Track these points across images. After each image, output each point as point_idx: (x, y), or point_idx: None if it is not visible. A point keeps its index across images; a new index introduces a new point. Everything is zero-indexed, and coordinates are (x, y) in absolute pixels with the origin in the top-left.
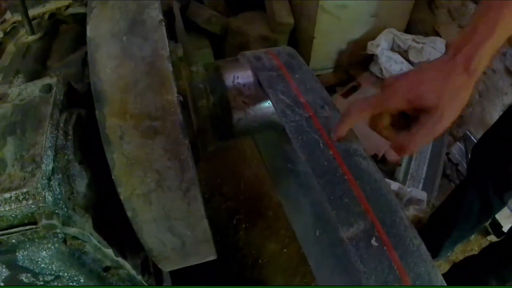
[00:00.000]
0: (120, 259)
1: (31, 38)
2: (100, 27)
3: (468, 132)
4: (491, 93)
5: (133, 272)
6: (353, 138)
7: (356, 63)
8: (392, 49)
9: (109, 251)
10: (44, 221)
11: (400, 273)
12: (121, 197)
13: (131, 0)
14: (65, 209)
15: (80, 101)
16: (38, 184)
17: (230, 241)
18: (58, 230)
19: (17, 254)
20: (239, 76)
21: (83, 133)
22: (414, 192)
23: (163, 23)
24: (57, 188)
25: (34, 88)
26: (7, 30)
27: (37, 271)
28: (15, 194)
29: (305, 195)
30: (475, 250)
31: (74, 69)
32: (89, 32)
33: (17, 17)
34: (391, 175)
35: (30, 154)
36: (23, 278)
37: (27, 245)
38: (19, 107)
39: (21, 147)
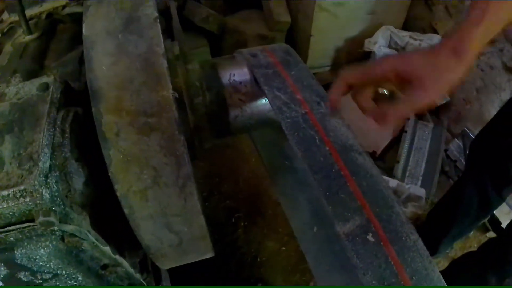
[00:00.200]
0: (118, 257)
1: (28, 38)
2: (96, 25)
3: (466, 129)
4: (489, 90)
5: (131, 270)
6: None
7: (353, 60)
8: (389, 46)
9: (107, 249)
10: (41, 218)
11: (397, 268)
12: (118, 194)
13: None
14: (63, 207)
15: (77, 100)
16: (36, 182)
17: (229, 239)
18: (55, 228)
19: (15, 252)
20: (236, 74)
21: (80, 131)
22: (412, 189)
23: (158, 20)
24: (54, 186)
25: (31, 87)
26: (5, 30)
27: (35, 269)
28: (13, 191)
29: (302, 192)
30: (474, 247)
31: (71, 68)
32: (85, 30)
33: (14, 17)
34: (390, 172)
35: (28, 152)
36: (22, 277)
37: (25, 243)
38: (16, 106)
39: (19, 145)
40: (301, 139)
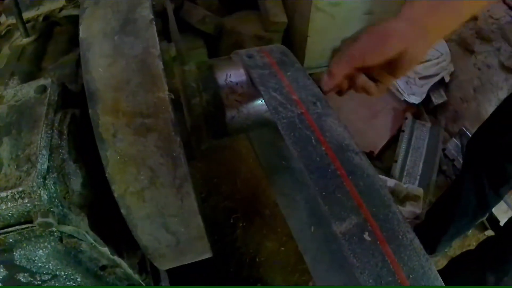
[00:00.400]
0: (116, 258)
1: (25, 40)
2: (92, 27)
3: (463, 128)
4: (486, 88)
5: (129, 271)
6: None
7: None
8: None
9: (105, 250)
10: (40, 219)
11: (393, 266)
12: (115, 195)
13: (123, 0)
14: (61, 208)
15: (74, 101)
16: (34, 183)
17: (228, 240)
18: (54, 229)
19: (14, 253)
20: (232, 75)
21: (78, 132)
22: (410, 188)
23: (154, 22)
24: (53, 187)
25: (29, 89)
26: (2, 33)
27: (34, 270)
28: (11, 193)
29: (300, 192)
30: (473, 246)
31: (68, 70)
32: (81, 32)
33: (12, 20)
34: (387, 172)
35: (26, 154)
36: (21, 278)
37: (24, 244)
38: (14, 108)
39: (17, 147)
40: (297, 139)
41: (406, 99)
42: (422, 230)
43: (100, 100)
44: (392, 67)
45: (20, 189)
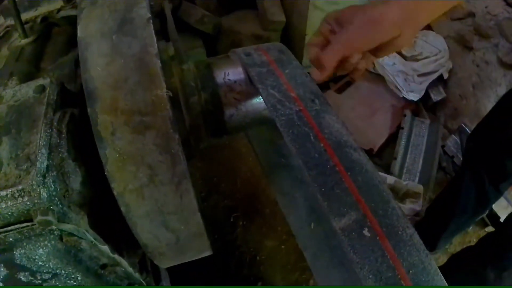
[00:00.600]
0: (116, 256)
1: (24, 41)
2: (90, 27)
3: (463, 125)
4: (485, 85)
5: (130, 269)
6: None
7: None
8: None
9: (105, 248)
10: (39, 217)
11: (393, 262)
12: (115, 193)
13: (120, 0)
14: (60, 206)
15: (73, 101)
16: (33, 181)
17: (228, 239)
18: (53, 227)
19: (14, 252)
20: (230, 73)
21: (77, 131)
22: (410, 185)
23: (151, 21)
24: (52, 185)
25: (28, 89)
26: (1, 34)
27: (34, 269)
28: (11, 191)
29: (299, 189)
30: (473, 242)
31: (67, 70)
32: (79, 32)
33: (10, 21)
34: (387, 169)
35: (25, 153)
36: (21, 277)
37: (24, 243)
38: (13, 108)
39: (16, 146)
40: (295, 136)
41: (405, 96)
42: (422, 227)
43: (98, 98)
44: (378, 49)
45: (20, 187)
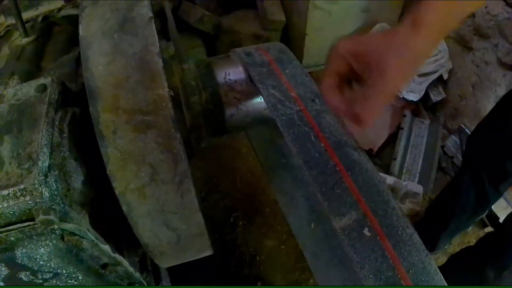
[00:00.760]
0: (117, 256)
1: (25, 40)
2: (92, 26)
3: (462, 125)
4: (485, 85)
5: (130, 269)
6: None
7: None
8: None
9: (106, 248)
10: (41, 217)
11: (393, 261)
12: (116, 192)
13: None
14: (62, 205)
15: (74, 100)
16: (35, 181)
17: (228, 238)
18: (55, 226)
19: (16, 251)
20: (230, 73)
21: (78, 130)
22: (410, 185)
23: (153, 20)
24: (54, 184)
25: (29, 89)
26: (1, 34)
27: (36, 268)
28: (13, 190)
29: (299, 189)
30: (473, 242)
31: (68, 69)
32: (81, 31)
33: (11, 20)
34: (387, 169)
35: (27, 152)
36: (23, 277)
37: (26, 242)
38: (15, 107)
39: (18, 145)
40: (296, 136)
41: (404, 96)
42: (422, 227)
43: (100, 97)
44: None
45: (22, 186)
